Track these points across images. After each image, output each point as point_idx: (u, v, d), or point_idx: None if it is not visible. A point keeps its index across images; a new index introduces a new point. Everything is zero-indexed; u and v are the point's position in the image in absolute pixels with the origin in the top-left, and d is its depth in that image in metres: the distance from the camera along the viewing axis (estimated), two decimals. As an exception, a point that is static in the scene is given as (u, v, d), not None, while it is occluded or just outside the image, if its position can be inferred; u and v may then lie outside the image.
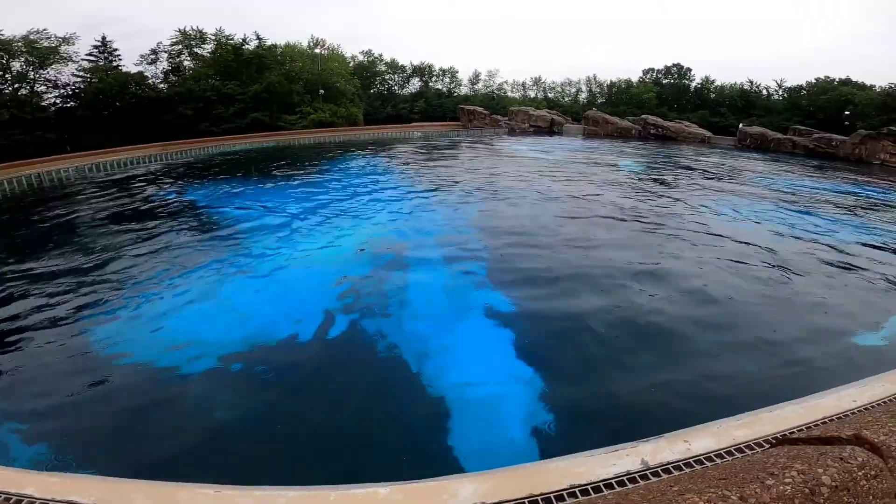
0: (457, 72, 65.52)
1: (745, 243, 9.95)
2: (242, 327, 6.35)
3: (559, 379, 5.17)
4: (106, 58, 38.73)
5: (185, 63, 43.39)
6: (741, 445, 2.02)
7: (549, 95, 67.22)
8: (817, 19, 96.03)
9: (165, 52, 42.45)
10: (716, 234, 10.71)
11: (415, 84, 64.64)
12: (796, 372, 5.34)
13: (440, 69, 65.00)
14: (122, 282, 8.04)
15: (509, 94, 66.36)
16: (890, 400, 2.36)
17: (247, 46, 41.89)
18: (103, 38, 38.48)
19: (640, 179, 17.50)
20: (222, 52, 40.79)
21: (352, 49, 77.80)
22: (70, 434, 4.53)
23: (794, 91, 53.88)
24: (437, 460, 4.02)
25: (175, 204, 14.12)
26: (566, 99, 66.81)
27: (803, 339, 6.15)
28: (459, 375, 5.28)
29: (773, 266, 8.70)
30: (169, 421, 4.67)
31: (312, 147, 31.91)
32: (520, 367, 5.36)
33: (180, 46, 42.79)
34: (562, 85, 68.13)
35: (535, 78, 68.34)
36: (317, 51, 48.40)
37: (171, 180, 19.24)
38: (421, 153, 26.63)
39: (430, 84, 64.59)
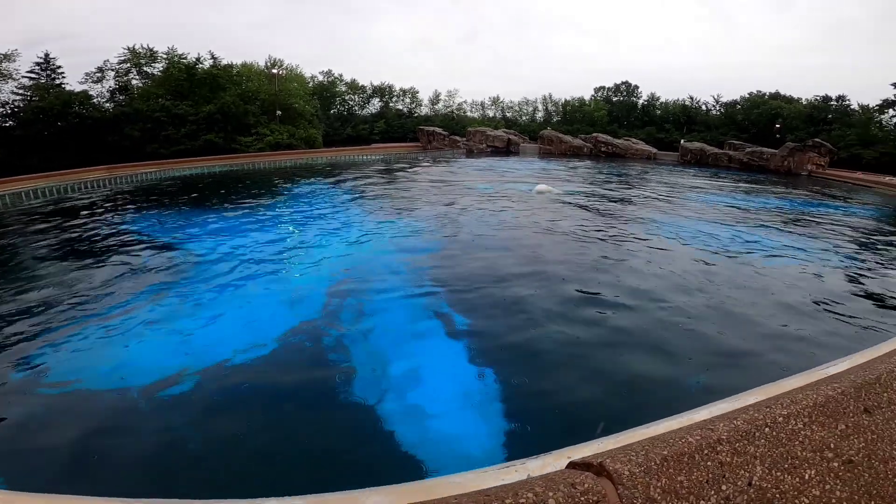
0: (417, 92, 66.82)
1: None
2: (192, 356, 6.25)
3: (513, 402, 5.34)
4: (48, 75, 37.17)
5: (134, 82, 42.11)
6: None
7: (507, 115, 69.40)
8: (749, 34, 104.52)
9: (112, 70, 41.07)
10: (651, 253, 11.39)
11: (375, 104, 65.34)
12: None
13: (400, 89, 66.15)
14: (62, 312, 7.74)
15: (469, 113, 68.09)
16: (739, 414, 2.58)
17: (200, 66, 40.93)
18: (46, 54, 37.08)
19: (585, 207, 18.23)
20: (174, 71, 39.66)
21: (311, 69, 78.22)
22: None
23: (730, 106, 57.95)
24: (390, 474, 4.16)
25: (121, 233, 13.62)
26: (523, 118, 69.09)
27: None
28: (415, 398, 5.42)
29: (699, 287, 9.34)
30: (125, 444, 4.66)
31: (268, 171, 31.38)
32: (473, 389, 5.56)
33: (128, 65, 41.50)
34: (519, 104, 70.62)
35: (494, 97, 70.52)
36: (274, 71, 48.26)
37: (118, 207, 18.56)
38: (378, 178, 26.78)
39: (391, 104, 65.42)
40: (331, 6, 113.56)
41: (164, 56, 41.66)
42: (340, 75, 62.98)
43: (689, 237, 12.81)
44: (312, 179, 25.90)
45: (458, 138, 47.05)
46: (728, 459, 2.02)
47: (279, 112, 42.23)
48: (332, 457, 4.48)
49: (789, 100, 53.30)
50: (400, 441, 4.67)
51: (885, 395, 2.76)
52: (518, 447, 4.40)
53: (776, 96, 54.51)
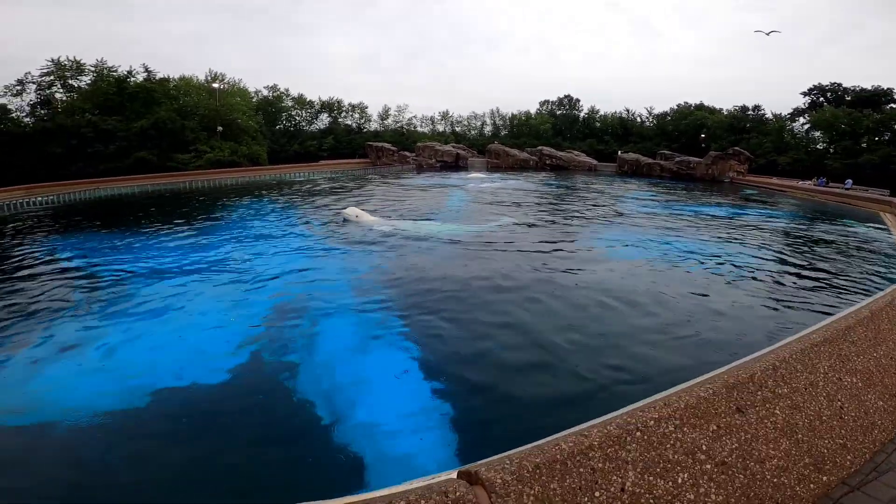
0: (366, 107, 66.48)
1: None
2: (133, 383, 5.94)
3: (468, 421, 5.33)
4: (-38, 87, 34.38)
5: (58, 95, 39.05)
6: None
7: (457, 129, 70.45)
8: (674, 47, 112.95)
9: (34, 83, 37.92)
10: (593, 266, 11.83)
11: (323, 120, 64.43)
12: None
13: (349, 104, 65.60)
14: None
15: (419, 128, 68.48)
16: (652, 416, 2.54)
17: (133, 79, 38.79)
18: (-39, 66, 34.41)
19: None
20: (102, 85, 37.28)
21: (255, 84, 76.20)
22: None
23: (661, 117, 61.96)
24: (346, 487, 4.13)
25: (42, 258, 12.53)
26: (472, 132, 70.42)
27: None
28: (369, 413, 5.40)
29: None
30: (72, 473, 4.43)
31: (208, 190, 29.95)
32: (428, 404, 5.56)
33: (52, 77, 38.46)
34: (468, 118, 71.94)
35: (444, 112, 71.46)
36: (215, 85, 46.51)
37: (38, 229, 17.11)
38: (324, 196, 26.27)
39: (340, 120, 64.72)
40: (276, 23, 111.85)
41: (93, 69, 39.16)
42: (287, 90, 61.72)
43: (626, 247, 13.53)
44: (255, 198, 25.04)
45: (407, 154, 47.16)
46: (600, 465, 2.03)
47: (220, 128, 40.70)
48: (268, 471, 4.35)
49: (712, 110, 57.74)
50: (343, 455, 4.65)
51: (760, 393, 2.89)
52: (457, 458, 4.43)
53: (701, 107, 58.91)
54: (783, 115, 53.11)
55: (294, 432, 5.10)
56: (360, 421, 5.25)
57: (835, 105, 47.46)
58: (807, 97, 52.93)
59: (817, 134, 47.92)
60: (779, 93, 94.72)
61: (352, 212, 16.70)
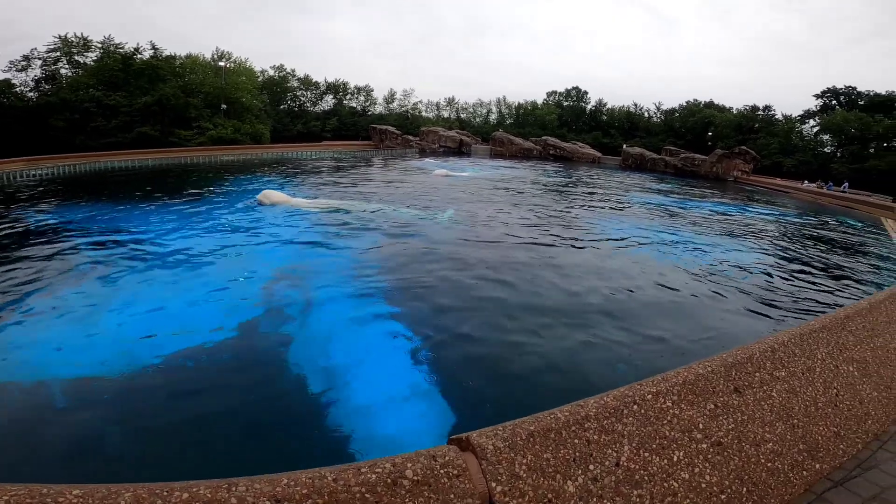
0: (372, 90, 66.03)
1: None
2: (120, 353, 5.87)
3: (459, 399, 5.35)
4: (-31, 63, 34.32)
5: (63, 71, 39.22)
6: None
7: (462, 116, 69.92)
8: (686, 45, 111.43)
9: (40, 58, 38.16)
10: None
11: (328, 101, 63.95)
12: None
13: (355, 87, 65.17)
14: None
15: (424, 113, 68.03)
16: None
17: (139, 56, 38.62)
18: (-30, 42, 34.24)
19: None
20: (108, 61, 37.25)
21: (263, 64, 75.46)
22: None
23: (669, 113, 61.25)
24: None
25: (38, 228, 12.51)
26: (477, 119, 69.87)
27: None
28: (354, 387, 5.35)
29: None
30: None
31: (208, 166, 29.67)
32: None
33: (58, 53, 38.60)
34: (474, 106, 71.38)
35: (449, 98, 70.96)
36: (221, 63, 46.20)
37: (36, 200, 17.03)
38: (322, 176, 26.19)
39: (345, 102, 64.23)
40: (286, 5, 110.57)
41: (99, 45, 39.10)
42: (293, 70, 61.21)
43: (615, 237, 13.49)
44: (254, 175, 24.87)
45: (411, 138, 46.79)
46: (596, 437, 1.99)
47: (224, 106, 40.42)
48: (265, 442, 4.36)
49: (721, 109, 57.08)
50: (332, 427, 4.63)
51: (757, 375, 2.85)
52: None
53: (710, 105, 58.24)
54: (793, 116, 52.57)
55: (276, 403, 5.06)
56: (346, 393, 5.23)
57: (847, 109, 46.95)
58: (819, 99, 52.34)
59: (826, 137, 47.51)
60: (793, 95, 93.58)
61: (268, 196, 15.60)
